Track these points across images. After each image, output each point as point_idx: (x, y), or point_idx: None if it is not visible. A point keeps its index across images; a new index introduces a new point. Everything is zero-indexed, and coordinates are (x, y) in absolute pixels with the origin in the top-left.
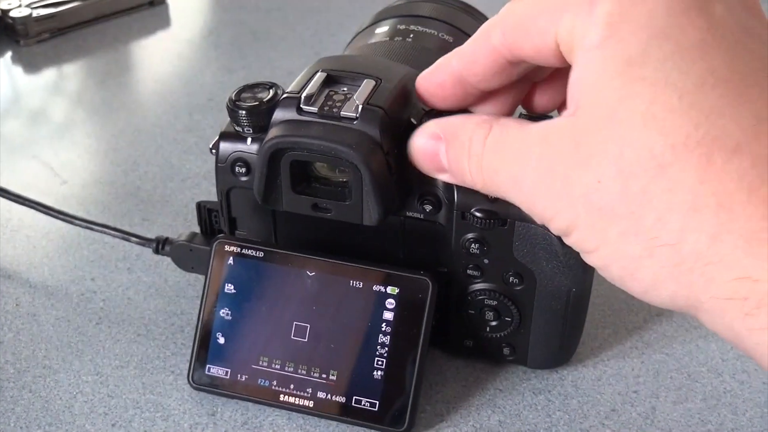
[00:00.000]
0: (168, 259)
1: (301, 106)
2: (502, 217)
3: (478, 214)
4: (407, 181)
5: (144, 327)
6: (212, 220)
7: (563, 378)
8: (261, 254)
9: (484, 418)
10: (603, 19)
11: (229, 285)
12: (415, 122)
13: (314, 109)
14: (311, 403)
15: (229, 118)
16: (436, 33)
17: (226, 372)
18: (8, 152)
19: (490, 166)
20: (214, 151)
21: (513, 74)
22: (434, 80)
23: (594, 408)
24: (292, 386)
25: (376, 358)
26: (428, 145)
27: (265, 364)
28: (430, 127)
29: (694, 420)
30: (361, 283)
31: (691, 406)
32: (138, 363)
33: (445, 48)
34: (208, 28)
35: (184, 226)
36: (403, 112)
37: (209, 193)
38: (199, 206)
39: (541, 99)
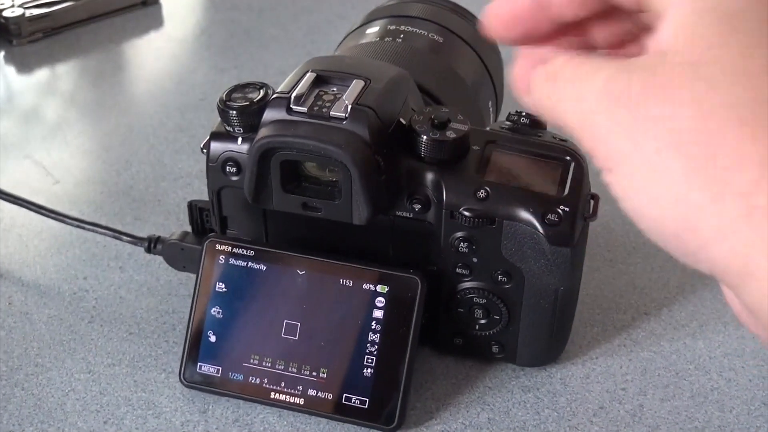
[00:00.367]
0: (160, 258)
1: (291, 106)
2: (490, 216)
3: (466, 213)
4: (396, 181)
5: (136, 325)
6: (203, 220)
7: (552, 376)
8: (252, 253)
9: (473, 415)
10: None
11: (221, 284)
12: (404, 122)
13: (304, 109)
14: (302, 401)
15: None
16: (426, 33)
17: (218, 370)
18: (1, 151)
19: (562, 87)
20: (205, 150)
21: (595, 5)
22: (514, 4)
23: (582, 405)
24: (282, 384)
25: (366, 356)
26: (522, 69)
27: (255, 362)
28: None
29: (681, 417)
30: (351, 282)
31: (679, 403)
32: (130, 361)
33: (435, 48)
34: (200, 27)
35: (175, 225)
36: (393, 112)
37: (201, 192)
38: (191, 205)
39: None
